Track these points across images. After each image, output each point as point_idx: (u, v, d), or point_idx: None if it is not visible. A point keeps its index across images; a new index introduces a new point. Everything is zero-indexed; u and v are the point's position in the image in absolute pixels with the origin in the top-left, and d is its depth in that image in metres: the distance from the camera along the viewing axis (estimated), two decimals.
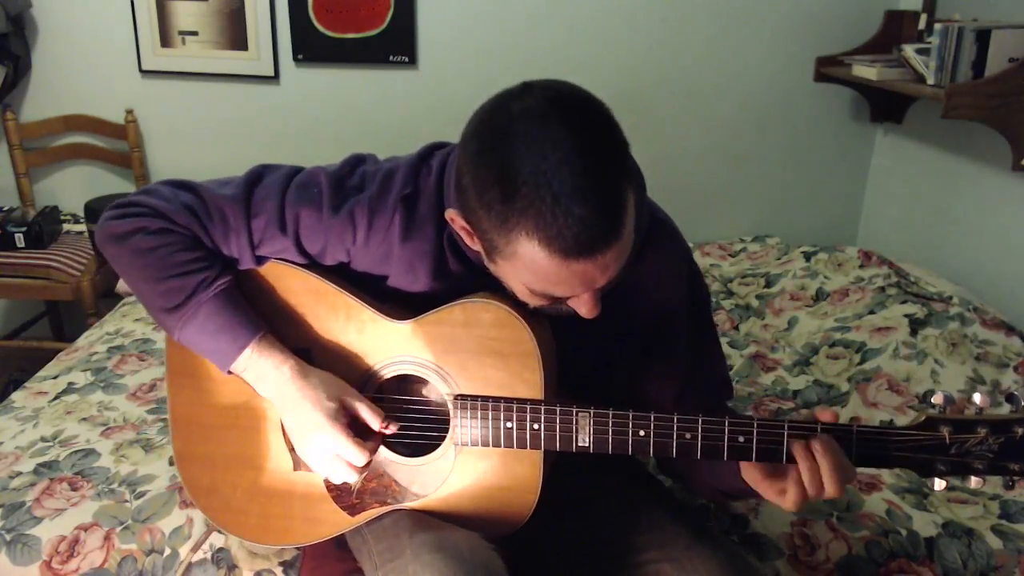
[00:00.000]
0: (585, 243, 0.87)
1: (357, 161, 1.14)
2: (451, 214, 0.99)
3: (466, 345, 1.07)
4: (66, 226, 2.86)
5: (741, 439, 0.99)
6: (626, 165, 0.91)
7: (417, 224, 1.08)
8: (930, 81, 2.19)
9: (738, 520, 1.44)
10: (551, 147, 0.86)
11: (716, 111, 2.94)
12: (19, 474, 1.51)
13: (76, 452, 1.58)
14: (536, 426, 1.04)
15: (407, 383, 1.14)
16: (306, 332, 1.12)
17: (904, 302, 2.16)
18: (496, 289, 1.04)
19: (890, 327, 2.08)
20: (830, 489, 0.95)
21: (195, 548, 1.34)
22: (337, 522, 1.15)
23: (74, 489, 1.47)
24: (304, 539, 1.17)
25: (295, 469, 1.15)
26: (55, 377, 1.93)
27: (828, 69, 2.68)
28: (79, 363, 1.99)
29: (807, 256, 2.59)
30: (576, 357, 1.12)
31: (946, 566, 1.39)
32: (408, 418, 1.13)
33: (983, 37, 2.03)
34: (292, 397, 1.07)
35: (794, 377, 2.04)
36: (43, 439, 1.64)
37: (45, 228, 2.65)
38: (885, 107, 2.83)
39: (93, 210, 2.66)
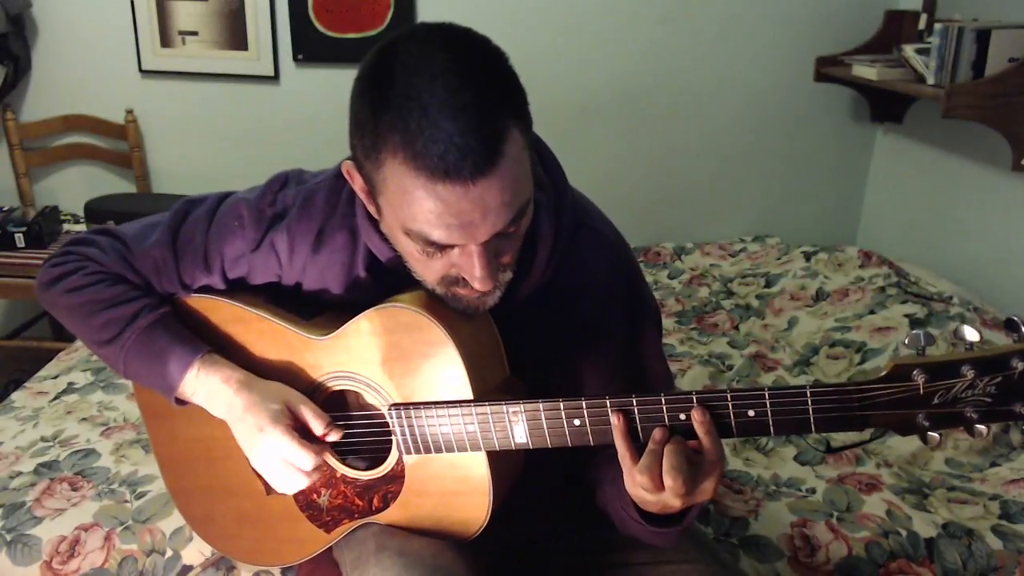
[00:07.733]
0: (452, 163, 0.80)
1: (280, 185, 1.11)
2: (346, 166, 0.94)
3: (390, 353, 1.02)
4: (66, 226, 2.85)
5: (682, 416, 0.90)
6: (512, 102, 0.86)
7: (331, 235, 1.06)
8: (930, 81, 2.19)
9: (738, 522, 1.44)
10: (426, 63, 0.82)
11: (716, 111, 2.94)
12: (19, 474, 1.51)
13: (76, 452, 1.58)
14: (471, 427, 0.99)
15: (354, 395, 1.12)
16: (241, 361, 1.10)
17: (904, 302, 2.16)
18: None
19: (890, 327, 2.08)
20: (672, 485, 0.87)
21: (204, 566, 1.34)
22: (318, 539, 1.14)
23: (74, 489, 1.47)
24: (295, 558, 1.18)
25: (268, 493, 1.14)
26: (55, 377, 1.93)
27: (828, 69, 2.68)
28: (79, 363, 1.99)
29: (807, 256, 2.60)
30: (528, 357, 1.07)
31: (946, 567, 1.39)
32: (356, 432, 1.10)
33: (983, 37, 2.03)
34: (238, 408, 1.05)
35: (794, 377, 2.04)
36: (43, 439, 1.64)
37: (45, 228, 2.64)
38: (885, 107, 2.83)
39: (93, 210, 2.65)
